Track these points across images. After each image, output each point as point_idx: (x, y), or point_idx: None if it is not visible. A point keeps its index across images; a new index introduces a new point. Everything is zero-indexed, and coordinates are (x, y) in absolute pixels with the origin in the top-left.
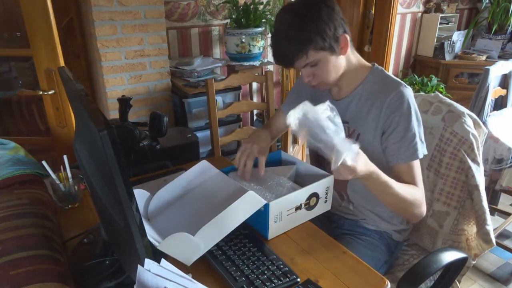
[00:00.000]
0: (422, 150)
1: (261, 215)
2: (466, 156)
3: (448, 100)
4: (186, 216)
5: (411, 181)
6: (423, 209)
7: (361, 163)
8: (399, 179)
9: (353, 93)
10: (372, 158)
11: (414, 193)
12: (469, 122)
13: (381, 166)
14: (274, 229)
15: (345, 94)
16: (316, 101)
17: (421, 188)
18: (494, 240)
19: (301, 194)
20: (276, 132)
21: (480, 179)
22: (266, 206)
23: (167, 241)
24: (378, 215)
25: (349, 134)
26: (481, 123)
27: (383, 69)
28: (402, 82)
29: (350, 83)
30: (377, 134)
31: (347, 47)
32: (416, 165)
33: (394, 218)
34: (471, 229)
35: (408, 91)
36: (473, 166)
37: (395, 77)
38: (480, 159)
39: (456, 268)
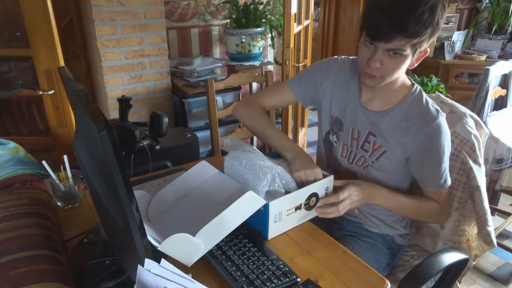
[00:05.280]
0: (449, 179)
1: (261, 215)
2: (467, 157)
3: (450, 101)
4: (186, 217)
5: (437, 201)
6: (440, 220)
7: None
8: (425, 195)
9: (388, 110)
10: (391, 174)
11: (427, 207)
12: (470, 123)
13: (398, 180)
14: (274, 229)
15: (379, 108)
16: (337, 98)
17: (443, 206)
18: (495, 241)
19: (300, 194)
20: (274, 104)
21: (481, 180)
22: (266, 206)
23: (167, 242)
24: (382, 220)
25: (373, 148)
26: (482, 124)
27: (421, 89)
28: (439, 108)
29: (387, 98)
30: (404, 155)
31: (417, 62)
32: (445, 189)
33: (397, 223)
34: (472, 230)
35: (444, 119)
36: (474, 167)
37: (432, 101)
38: (481, 160)
39: (457, 269)
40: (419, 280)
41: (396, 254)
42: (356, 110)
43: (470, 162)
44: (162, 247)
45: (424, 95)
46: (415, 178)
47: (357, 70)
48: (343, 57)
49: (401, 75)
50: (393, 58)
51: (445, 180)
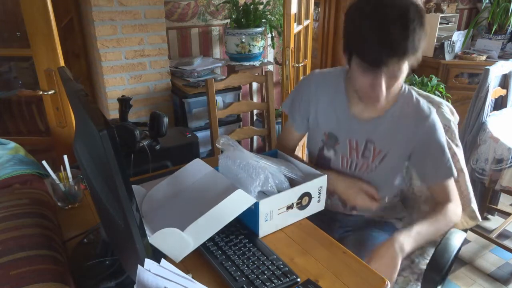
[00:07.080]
0: (455, 170)
1: (252, 213)
2: (450, 142)
3: (424, 92)
4: (179, 214)
5: (446, 197)
6: (456, 218)
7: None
8: (435, 197)
9: (383, 115)
10: (392, 175)
11: (446, 217)
12: (447, 110)
13: (399, 172)
14: (265, 227)
15: (373, 115)
16: (324, 115)
17: (454, 201)
18: (479, 216)
19: (292, 193)
20: (293, 144)
21: (463, 162)
22: (256, 205)
23: (157, 235)
24: (381, 210)
25: (374, 154)
26: (453, 109)
27: (409, 87)
28: (430, 105)
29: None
30: (405, 153)
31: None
32: (452, 181)
33: (396, 207)
34: None
35: (436, 114)
36: (457, 150)
37: (421, 98)
38: (459, 143)
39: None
40: (441, 266)
41: None
42: (350, 122)
43: (454, 146)
44: (152, 240)
45: (413, 92)
46: (421, 179)
47: (338, 84)
48: (310, 75)
49: None
50: (394, 77)
51: (451, 169)
